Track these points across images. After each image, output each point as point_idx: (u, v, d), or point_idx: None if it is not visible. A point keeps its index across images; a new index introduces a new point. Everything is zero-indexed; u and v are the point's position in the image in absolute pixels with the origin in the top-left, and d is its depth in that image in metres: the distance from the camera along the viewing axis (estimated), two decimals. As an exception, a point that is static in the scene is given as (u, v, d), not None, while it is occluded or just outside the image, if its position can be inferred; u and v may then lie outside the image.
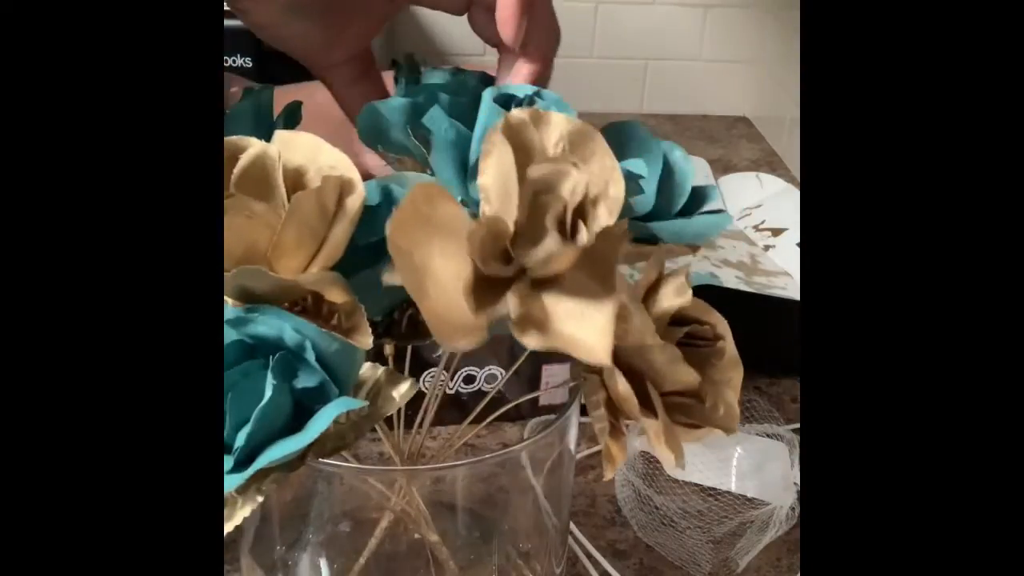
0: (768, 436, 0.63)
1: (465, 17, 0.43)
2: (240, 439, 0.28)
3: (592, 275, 0.27)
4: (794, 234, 0.83)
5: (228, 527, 0.29)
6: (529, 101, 0.35)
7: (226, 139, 0.31)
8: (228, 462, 0.29)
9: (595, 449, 0.65)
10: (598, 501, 0.61)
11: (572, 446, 0.43)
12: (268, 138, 0.35)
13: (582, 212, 0.27)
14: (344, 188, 0.30)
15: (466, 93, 0.38)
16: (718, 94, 1.28)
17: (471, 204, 0.35)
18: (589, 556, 0.56)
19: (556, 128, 0.29)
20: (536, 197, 0.27)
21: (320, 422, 0.28)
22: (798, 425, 0.65)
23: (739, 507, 0.58)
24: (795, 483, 0.59)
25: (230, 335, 0.30)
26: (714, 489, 0.61)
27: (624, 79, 1.26)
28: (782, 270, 0.78)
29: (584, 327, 0.26)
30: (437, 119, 0.34)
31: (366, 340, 0.30)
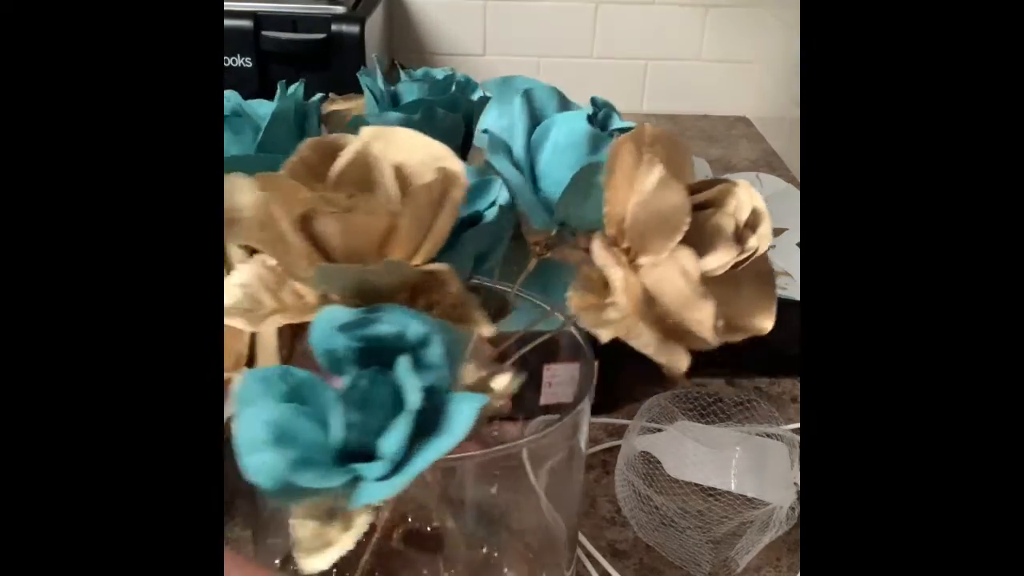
0: (768, 436, 0.63)
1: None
2: (391, 445, 0.27)
3: (755, 271, 0.33)
4: (794, 234, 0.83)
5: (350, 542, 0.28)
6: (594, 114, 0.36)
7: (323, 137, 0.30)
8: (376, 469, 0.28)
9: (595, 449, 0.65)
10: (598, 501, 0.61)
11: (583, 446, 0.42)
12: (300, 136, 0.35)
13: (749, 223, 0.32)
14: (449, 180, 0.30)
15: (459, 108, 0.39)
16: (718, 94, 1.28)
17: (549, 225, 0.36)
18: (589, 556, 0.56)
19: (649, 139, 0.32)
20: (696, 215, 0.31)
21: (464, 419, 0.28)
22: (798, 425, 0.65)
23: (739, 507, 0.58)
24: (795, 483, 0.59)
25: (338, 341, 0.29)
26: (714, 489, 0.61)
27: (624, 79, 1.26)
28: (782, 270, 0.79)
29: (758, 315, 0.34)
30: (505, 170, 0.35)
31: (487, 327, 0.30)
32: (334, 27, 0.92)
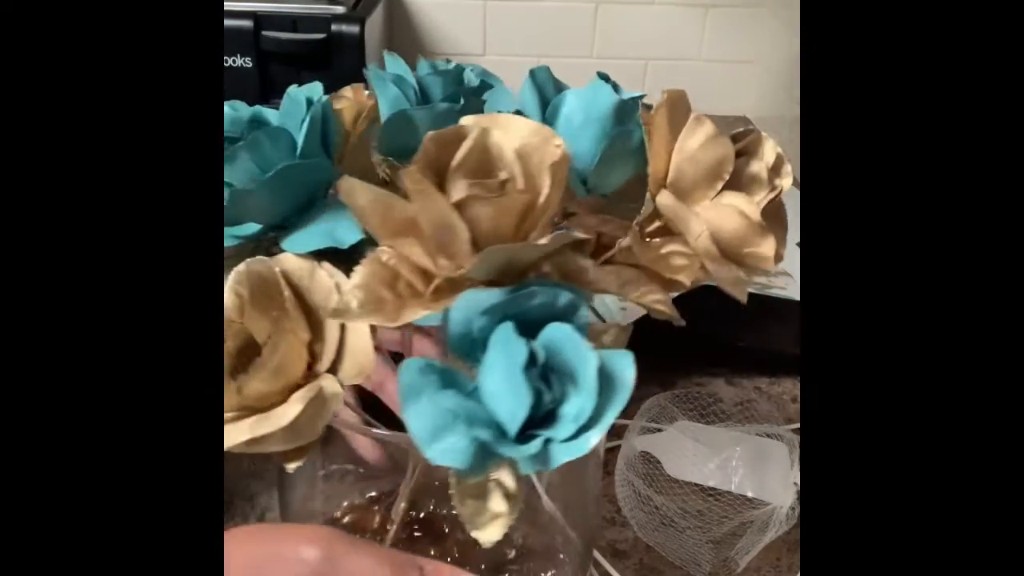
0: (768, 436, 0.63)
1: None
2: (581, 408, 0.29)
3: (771, 208, 0.37)
4: (794, 234, 0.83)
5: (516, 509, 0.30)
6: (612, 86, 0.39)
7: (442, 131, 0.31)
8: (564, 431, 0.29)
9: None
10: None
11: (601, 450, 0.42)
12: (323, 137, 0.36)
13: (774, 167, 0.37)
14: (564, 157, 0.32)
15: (480, 94, 0.41)
16: (718, 94, 1.28)
17: (584, 194, 0.38)
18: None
19: (675, 103, 0.35)
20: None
21: (628, 373, 0.30)
22: (798, 425, 0.65)
23: (739, 507, 0.58)
24: (795, 483, 0.59)
25: (478, 324, 0.30)
26: (714, 489, 0.61)
27: (624, 79, 1.25)
28: (782, 270, 0.78)
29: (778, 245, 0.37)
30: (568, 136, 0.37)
31: (616, 286, 0.33)
32: (334, 27, 0.92)
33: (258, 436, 0.31)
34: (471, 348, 0.30)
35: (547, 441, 0.29)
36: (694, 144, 0.35)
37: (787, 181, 0.37)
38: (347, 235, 0.34)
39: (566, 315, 0.31)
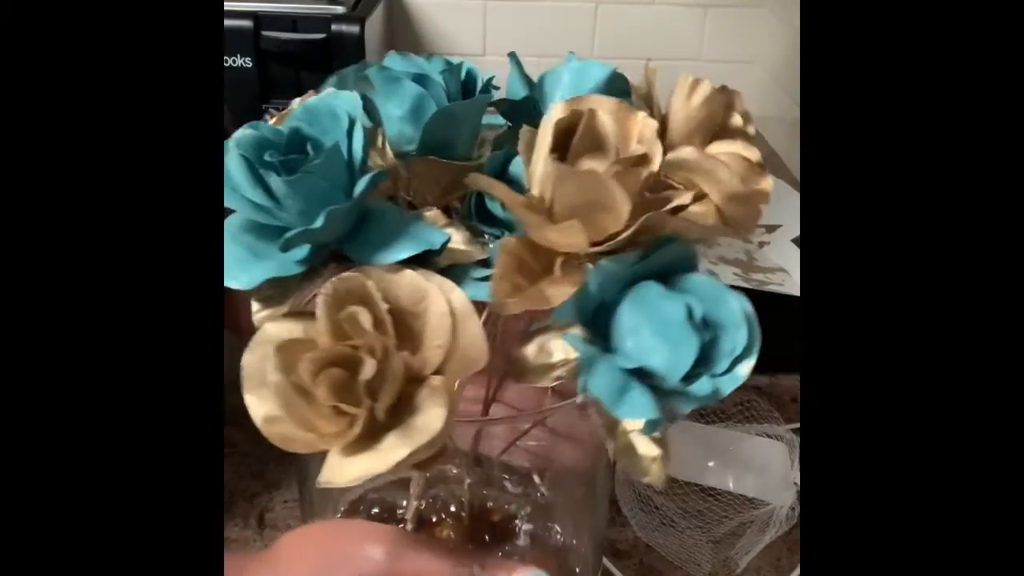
0: (768, 436, 0.63)
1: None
2: (738, 338, 0.32)
3: None
4: (789, 230, 0.83)
5: (669, 450, 0.32)
6: None
7: (559, 118, 0.33)
8: (720, 365, 0.31)
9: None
10: (598, 501, 0.61)
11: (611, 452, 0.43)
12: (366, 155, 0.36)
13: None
14: None
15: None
16: (718, 94, 1.28)
17: None
18: (589, 556, 0.56)
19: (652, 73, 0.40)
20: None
21: (751, 309, 0.32)
22: (798, 425, 0.65)
23: (739, 507, 0.58)
24: (795, 483, 0.59)
25: (614, 288, 0.32)
26: (714, 489, 0.61)
27: (624, 79, 1.26)
28: (778, 266, 0.79)
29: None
30: None
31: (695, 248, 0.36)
32: (334, 27, 0.92)
33: (416, 449, 0.30)
34: (596, 315, 0.32)
35: (711, 377, 0.31)
36: (696, 102, 0.38)
37: (752, 128, 0.40)
38: (436, 237, 0.35)
39: (691, 266, 0.33)
